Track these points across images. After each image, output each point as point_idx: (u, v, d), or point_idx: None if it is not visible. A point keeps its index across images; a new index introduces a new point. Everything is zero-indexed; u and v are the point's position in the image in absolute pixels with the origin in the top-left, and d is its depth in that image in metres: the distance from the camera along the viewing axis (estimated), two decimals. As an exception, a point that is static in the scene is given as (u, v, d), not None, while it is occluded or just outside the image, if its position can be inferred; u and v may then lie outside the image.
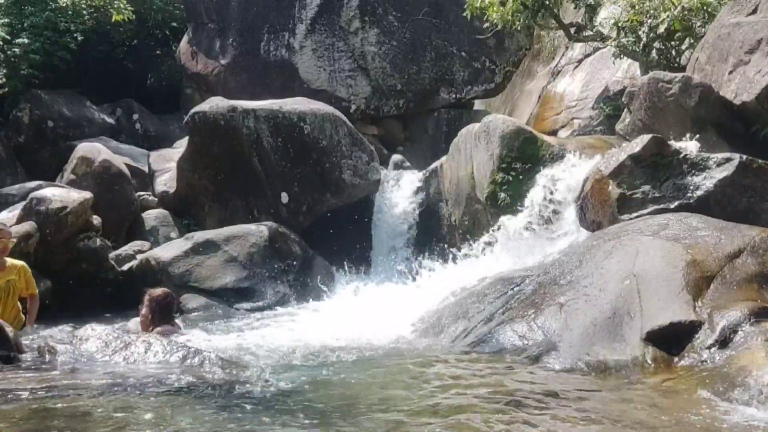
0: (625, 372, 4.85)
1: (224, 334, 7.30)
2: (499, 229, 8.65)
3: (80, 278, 8.68)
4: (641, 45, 9.99)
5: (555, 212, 8.18)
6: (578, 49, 14.24)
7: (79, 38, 13.82)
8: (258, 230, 9.77)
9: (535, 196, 8.43)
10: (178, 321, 6.59)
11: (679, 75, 8.22)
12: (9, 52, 12.98)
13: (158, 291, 6.24)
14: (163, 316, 6.04)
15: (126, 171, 10.92)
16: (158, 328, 5.87)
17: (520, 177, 8.81)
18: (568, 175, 8.25)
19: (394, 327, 7.03)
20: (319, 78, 14.02)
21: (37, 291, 6.94)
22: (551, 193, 8.26)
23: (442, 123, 14.46)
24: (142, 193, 11.45)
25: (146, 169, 12.21)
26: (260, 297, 9.22)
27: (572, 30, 11.87)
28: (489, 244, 8.75)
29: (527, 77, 16.26)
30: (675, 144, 7.13)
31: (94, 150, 10.87)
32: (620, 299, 5.32)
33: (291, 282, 9.55)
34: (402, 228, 10.76)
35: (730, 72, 7.82)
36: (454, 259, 9.19)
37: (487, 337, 5.73)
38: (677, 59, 9.90)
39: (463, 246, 9.20)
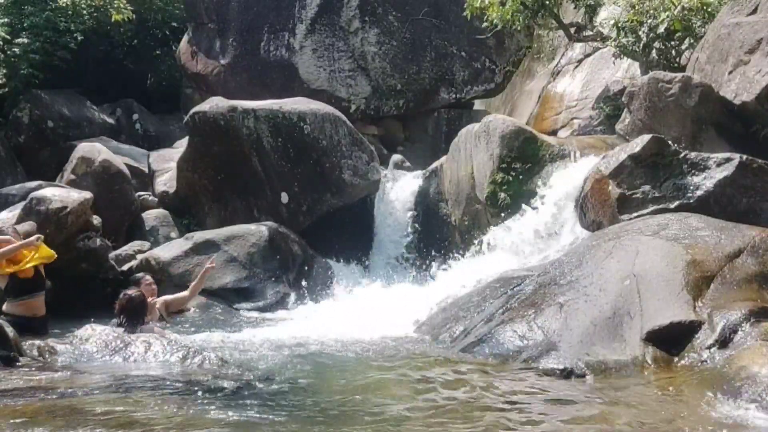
0: (625, 372, 4.84)
1: (224, 334, 7.30)
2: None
3: (80, 278, 8.67)
4: (641, 45, 9.98)
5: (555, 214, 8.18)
6: (578, 49, 14.21)
7: (79, 38, 13.79)
8: (258, 230, 9.77)
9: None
10: (156, 324, 6.60)
11: (679, 75, 8.22)
12: (9, 52, 12.97)
13: (133, 294, 6.28)
14: (130, 319, 6.11)
15: (126, 171, 10.91)
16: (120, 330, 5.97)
17: (520, 177, 8.81)
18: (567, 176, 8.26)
19: (394, 327, 7.03)
20: (319, 78, 14.01)
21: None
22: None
23: (442, 123, 14.45)
24: (142, 193, 11.44)
25: (146, 169, 12.20)
26: (260, 297, 9.22)
27: (572, 30, 11.86)
28: (489, 244, 8.76)
29: (527, 77, 16.24)
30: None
31: (94, 150, 10.86)
32: (620, 299, 5.32)
33: (291, 282, 9.55)
34: (402, 228, 10.76)
35: (730, 72, 7.81)
36: (454, 259, 9.18)
37: (487, 337, 5.73)
38: (677, 59, 9.89)
39: (463, 246, 9.20)
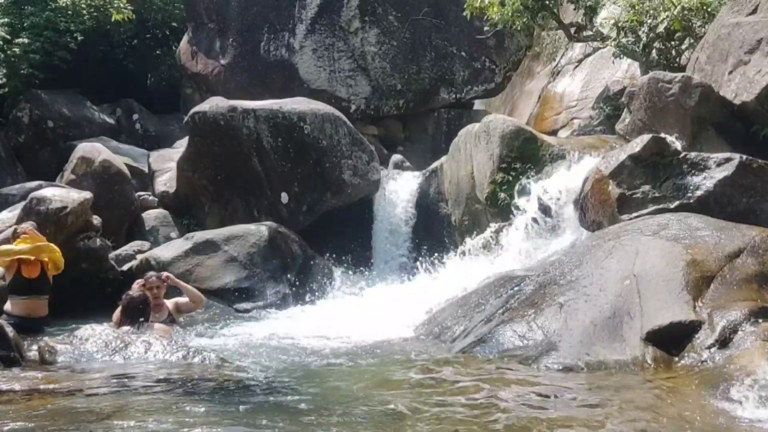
0: (625, 372, 4.85)
1: (224, 334, 7.31)
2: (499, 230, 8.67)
3: (80, 278, 8.67)
4: (641, 45, 9.97)
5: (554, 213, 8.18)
6: (578, 49, 14.22)
7: (79, 38, 13.82)
8: (258, 230, 9.77)
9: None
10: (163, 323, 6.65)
11: (679, 75, 8.22)
12: (9, 52, 12.98)
13: (135, 294, 6.49)
14: (130, 317, 6.24)
15: (126, 171, 10.91)
16: (124, 327, 6.07)
17: (520, 177, 8.81)
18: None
19: (394, 327, 7.03)
20: (319, 78, 14.01)
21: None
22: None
23: (442, 123, 14.45)
24: (142, 193, 11.44)
25: (146, 169, 12.20)
26: (260, 297, 9.21)
27: (572, 30, 11.86)
28: (489, 244, 8.76)
29: (527, 77, 16.25)
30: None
31: (94, 150, 10.87)
32: (620, 299, 5.32)
33: (291, 282, 9.54)
34: (402, 228, 10.75)
35: (730, 72, 7.82)
36: (454, 259, 9.18)
37: (487, 337, 5.73)
38: (677, 59, 9.89)
39: (462, 246, 9.19)
